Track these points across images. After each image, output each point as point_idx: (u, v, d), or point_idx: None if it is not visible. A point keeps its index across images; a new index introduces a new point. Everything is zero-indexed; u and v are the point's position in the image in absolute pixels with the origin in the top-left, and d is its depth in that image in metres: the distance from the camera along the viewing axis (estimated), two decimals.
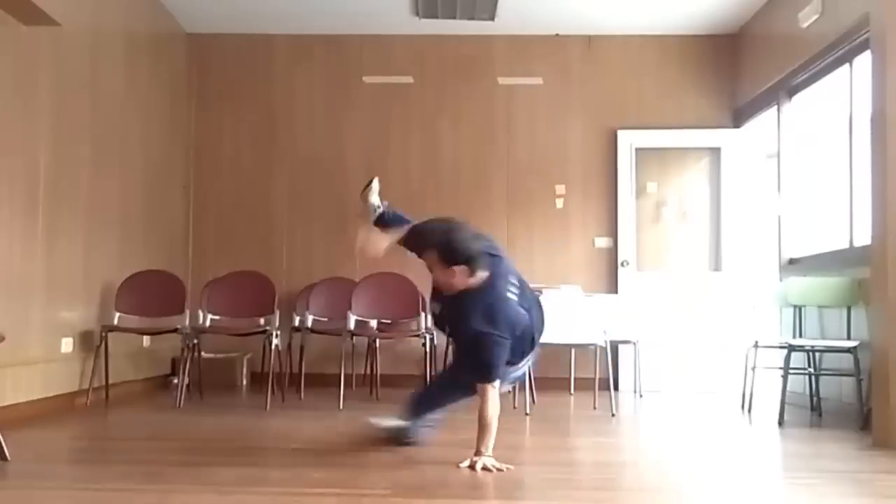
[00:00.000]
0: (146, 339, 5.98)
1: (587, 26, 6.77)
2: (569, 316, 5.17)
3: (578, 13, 6.50)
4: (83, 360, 5.21)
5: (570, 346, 5.64)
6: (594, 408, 5.36)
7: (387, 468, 3.26)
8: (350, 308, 5.55)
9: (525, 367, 3.70)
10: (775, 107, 6.07)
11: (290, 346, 6.04)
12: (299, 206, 6.90)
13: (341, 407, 5.11)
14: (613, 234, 6.81)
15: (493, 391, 3.33)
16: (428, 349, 5.25)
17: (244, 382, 6.58)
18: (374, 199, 3.97)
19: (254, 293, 5.59)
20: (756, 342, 5.19)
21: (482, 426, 3.28)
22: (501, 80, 6.92)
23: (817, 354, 5.15)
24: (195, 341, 5.41)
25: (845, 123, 5.14)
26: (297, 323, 6.09)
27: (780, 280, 5.84)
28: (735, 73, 6.84)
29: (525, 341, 3.47)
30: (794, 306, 5.30)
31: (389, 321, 5.92)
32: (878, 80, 4.03)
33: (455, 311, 3.43)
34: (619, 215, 6.80)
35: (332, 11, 6.52)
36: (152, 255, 6.14)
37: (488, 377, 3.32)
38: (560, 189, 6.86)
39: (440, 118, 6.94)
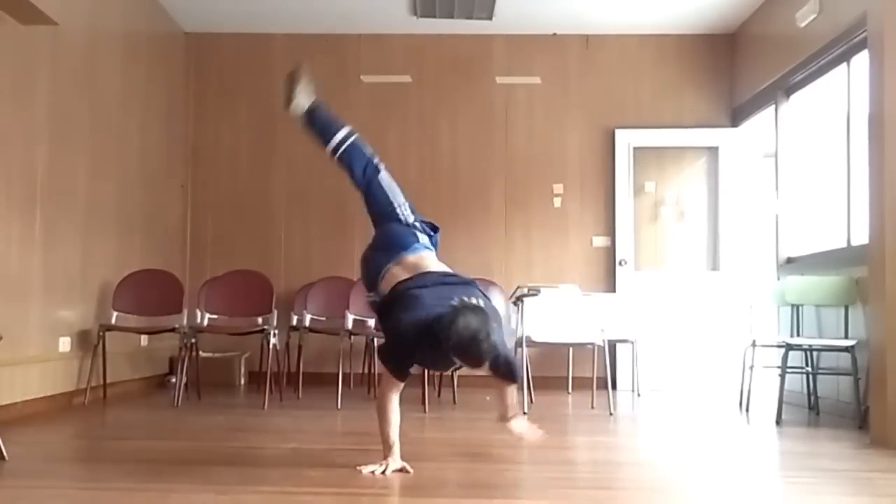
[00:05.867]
0: (144, 339, 5.97)
1: (585, 26, 6.77)
2: (567, 315, 5.18)
3: (576, 13, 6.50)
4: (81, 359, 5.21)
5: (567, 345, 5.64)
6: (592, 407, 5.36)
7: None
8: (348, 307, 5.54)
9: None
10: (773, 106, 6.07)
11: (287, 345, 6.04)
12: (297, 206, 6.90)
13: (339, 406, 5.11)
14: (611, 233, 6.82)
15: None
16: None
17: (242, 382, 6.57)
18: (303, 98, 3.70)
19: (252, 292, 5.58)
20: (754, 341, 5.19)
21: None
22: (499, 80, 6.92)
23: (815, 353, 5.16)
24: (193, 340, 5.41)
25: (843, 122, 5.14)
26: (294, 322, 6.09)
27: (778, 279, 5.84)
28: (733, 72, 6.85)
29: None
30: (792, 305, 5.31)
31: None
32: (876, 79, 4.03)
33: None
34: (616, 214, 6.81)
35: (329, 11, 6.52)
36: (150, 254, 6.14)
37: None
38: (558, 188, 6.86)
39: (438, 117, 6.94)
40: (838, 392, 4.97)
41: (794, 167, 5.91)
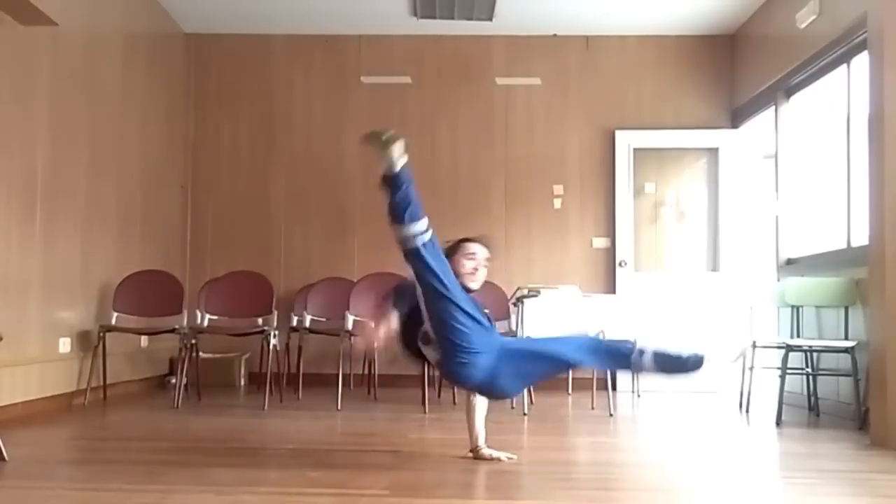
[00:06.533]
0: (144, 340, 5.97)
1: (585, 27, 6.77)
2: (567, 316, 5.18)
3: (576, 13, 6.51)
4: (81, 360, 5.21)
5: None
6: (592, 408, 5.36)
7: (384, 468, 3.26)
8: (348, 308, 5.54)
9: None
10: (773, 107, 6.07)
11: (287, 346, 6.03)
12: (297, 206, 6.90)
13: (339, 407, 5.11)
14: (611, 234, 6.82)
15: None
16: None
17: (242, 382, 6.57)
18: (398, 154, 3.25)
19: (252, 293, 5.58)
20: (754, 342, 5.19)
21: None
22: (499, 81, 6.92)
23: (815, 354, 5.16)
24: (193, 341, 5.41)
25: (843, 124, 5.14)
26: (295, 323, 6.09)
27: (778, 280, 5.84)
28: (733, 73, 6.85)
29: None
30: (792, 306, 5.31)
31: None
32: (876, 80, 4.03)
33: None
34: (616, 215, 6.81)
35: (329, 12, 6.52)
36: (150, 254, 6.14)
37: None
38: (558, 189, 6.86)
39: (438, 118, 6.94)
40: (838, 393, 4.97)
41: (794, 168, 5.91)
